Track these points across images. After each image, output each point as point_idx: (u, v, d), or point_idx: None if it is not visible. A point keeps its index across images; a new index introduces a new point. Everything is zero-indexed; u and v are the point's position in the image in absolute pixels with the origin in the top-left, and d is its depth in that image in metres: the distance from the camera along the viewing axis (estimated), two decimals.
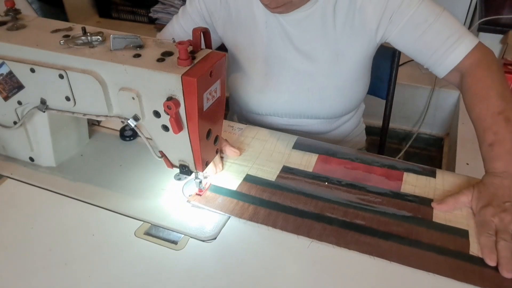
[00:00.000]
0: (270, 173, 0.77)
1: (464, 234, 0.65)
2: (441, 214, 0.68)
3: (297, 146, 0.84)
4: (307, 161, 0.80)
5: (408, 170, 0.77)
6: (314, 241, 0.64)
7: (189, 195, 0.72)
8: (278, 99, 0.94)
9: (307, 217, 0.67)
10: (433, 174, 0.76)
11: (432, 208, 0.69)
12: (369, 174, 0.77)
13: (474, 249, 0.62)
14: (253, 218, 0.67)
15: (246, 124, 0.92)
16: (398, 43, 0.86)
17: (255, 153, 0.82)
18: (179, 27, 0.97)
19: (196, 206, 0.70)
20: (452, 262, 0.60)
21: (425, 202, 0.70)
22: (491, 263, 0.60)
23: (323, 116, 0.97)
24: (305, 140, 0.86)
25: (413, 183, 0.74)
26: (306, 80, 0.91)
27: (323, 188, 0.74)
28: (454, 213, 0.68)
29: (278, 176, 0.76)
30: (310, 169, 0.78)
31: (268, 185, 0.74)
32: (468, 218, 0.67)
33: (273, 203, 0.70)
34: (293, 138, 0.86)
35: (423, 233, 0.65)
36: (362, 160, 0.80)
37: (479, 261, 0.60)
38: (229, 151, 0.81)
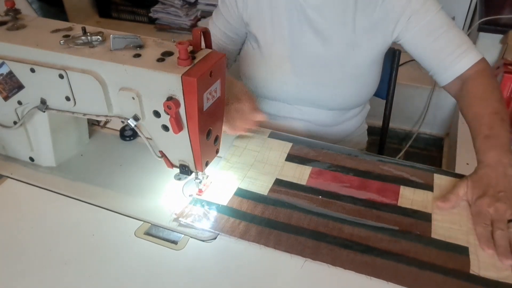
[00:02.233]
0: (262, 187, 0.74)
1: (464, 251, 0.62)
2: (440, 230, 0.65)
3: (290, 159, 0.81)
4: (300, 174, 0.77)
5: (405, 183, 0.74)
6: (308, 261, 0.61)
7: (175, 213, 0.68)
8: (289, 81, 0.94)
9: (301, 235, 0.65)
10: (430, 188, 0.73)
11: (431, 223, 0.67)
12: (365, 188, 0.74)
13: (475, 268, 0.60)
14: (244, 236, 0.64)
15: None
16: (410, 45, 0.89)
17: (246, 165, 0.79)
18: (217, 30, 0.98)
19: (184, 225, 0.67)
20: (451, 282, 0.58)
21: (423, 217, 0.68)
22: (489, 250, 0.62)
23: (331, 107, 0.97)
24: (300, 146, 0.84)
25: (410, 197, 0.72)
26: (320, 66, 0.92)
27: (317, 202, 0.71)
28: (453, 228, 0.66)
29: (271, 190, 0.73)
30: (303, 182, 0.75)
31: (260, 200, 0.71)
32: (468, 234, 0.65)
33: (265, 220, 0.67)
34: (287, 147, 0.83)
35: (421, 251, 0.62)
36: (357, 173, 0.77)
37: (480, 281, 0.58)
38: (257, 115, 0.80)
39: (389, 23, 0.87)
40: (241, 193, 0.73)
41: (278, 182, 0.75)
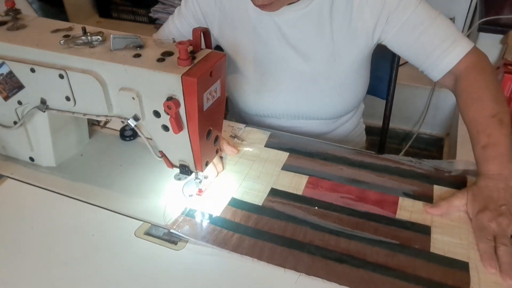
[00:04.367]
0: (257, 197, 0.72)
1: (464, 267, 0.60)
2: (439, 244, 0.63)
3: (286, 167, 0.79)
4: (296, 183, 0.75)
5: (404, 194, 0.73)
6: (302, 275, 0.59)
7: (169, 220, 0.67)
8: (276, 99, 0.94)
9: (295, 248, 0.63)
10: (429, 199, 0.72)
11: (430, 237, 0.64)
12: (363, 198, 0.72)
13: (475, 284, 0.57)
14: (237, 248, 0.62)
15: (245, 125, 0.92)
16: (393, 45, 0.86)
17: (241, 174, 0.77)
18: (175, 28, 0.97)
19: (177, 236, 0.65)
20: None
21: (422, 230, 0.66)
22: (492, 269, 0.59)
23: (322, 117, 0.96)
24: (297, 155, 0.82)
25: (409, 209, 0.70)
26: (304, 80, 0.91)
27: (313, 213, 0.69)
28: (453, 242, 0.64)
29: (266, 200, 0.71)
30: (299, 192, 0.73)
31: (254, 210, 0.69)
32: (468, 248, 0.63)
33: (259, 232, 0.65)
34: (284, 156, 0.81)
35: (420, 266, 0.60)
36: (355, 183, 0.75)
37: None
38: (227, 149, 0.80)
39: (367, 27, 0.85)
40: (235, 203, 0.71)
41: (274, 192, 0.73)
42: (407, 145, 1.82)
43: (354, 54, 0.89)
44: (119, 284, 0.59)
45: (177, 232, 0.65)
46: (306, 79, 0.91)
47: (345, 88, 0.92)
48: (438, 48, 0.80)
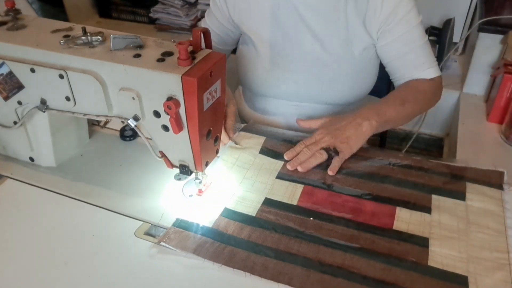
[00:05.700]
0: (251, 207, 0.70)
1: (463, 281, 0.58)
2: (437, 258, 0.61)
3: (281, 176, 0.77)
4: (291, 193, 0.73)
5: (401, 204, 0.70)
6: None
7: (159, 235, 0.65)
8: (286, 79, 0.95)
9: (289, 261, 0.61)
10: (427, 210, 0.69)
11: (428, 249, 0.62)
12: (359, 209, 0.70)
13: None
14: (229, 262, 0.60)
15: (243, 124, 0.92)
16: (382, 51, 0.92)
17: (235, 182, 0.75)
18: (206, 26, 1.00)
19: (167, 248, 0.63)
20: None
21: (420, 242, 0.64)
22: (289, 167, 0.77)
23: (330, 101, 0.98)
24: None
25: (407, 220, 0.67)
26: (316, 62, 0.93)
27: (308, 225, 0.67)
28: (452, 255, 0.62)
29: (260, 210, 0.69)
30: (294, 202, 0.71)
31: (247, 222, 0.67)
32: (468, 262, 0.61)
33: (252, 244, 0.63)
34: (278, 165, 0.79)
35: (417, 280, 0.58)
36: (351, 192, 0.73)
37: None
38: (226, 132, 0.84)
39: (374, 27, 0.89)
40: (228, 214, 0.69)
41: (268, 202, 0.71)
42: (407, 145, 1.82)
43: (365, 44, 0.92)
44: (119, 284, 0.59)
45: (167, 246, 0.63)
46: (318, 61, 0.93)
47: (355, 74, 0.95)
48: (417, 67, 0.91)
